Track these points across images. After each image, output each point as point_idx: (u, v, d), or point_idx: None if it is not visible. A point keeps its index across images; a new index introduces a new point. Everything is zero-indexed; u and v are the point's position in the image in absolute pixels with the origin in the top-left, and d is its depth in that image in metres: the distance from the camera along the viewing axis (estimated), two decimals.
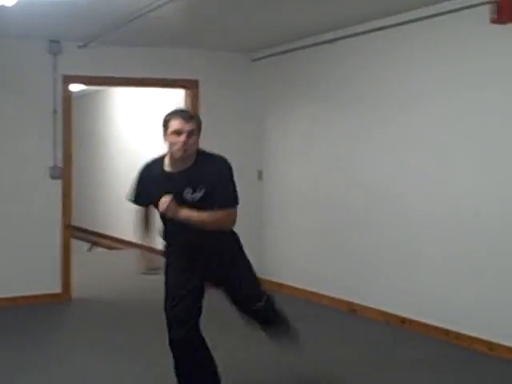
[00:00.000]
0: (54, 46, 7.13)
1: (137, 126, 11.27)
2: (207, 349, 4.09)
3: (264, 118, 7.92)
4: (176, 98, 9.10)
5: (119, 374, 4.99)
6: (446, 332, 5.63)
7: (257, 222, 7.92)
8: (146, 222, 4.20)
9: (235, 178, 3.93)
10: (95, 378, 4.93)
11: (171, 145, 3.84)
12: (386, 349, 5.57)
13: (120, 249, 11.03)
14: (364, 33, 6.29)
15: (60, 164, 7.23)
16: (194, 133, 3.84)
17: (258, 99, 7.87)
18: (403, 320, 6.06)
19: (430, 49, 5.76)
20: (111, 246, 11.54)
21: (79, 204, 10.52)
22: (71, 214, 7.48)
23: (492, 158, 5.26)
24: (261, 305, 4.18)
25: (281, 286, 7.58)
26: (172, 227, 3.98)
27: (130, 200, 4.15)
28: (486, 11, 5.04)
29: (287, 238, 7.61)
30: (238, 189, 3.93)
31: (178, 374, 4.11)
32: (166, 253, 4.13)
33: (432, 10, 5.57)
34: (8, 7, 5.49)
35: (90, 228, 12.74)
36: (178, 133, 3.80)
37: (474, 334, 5.39)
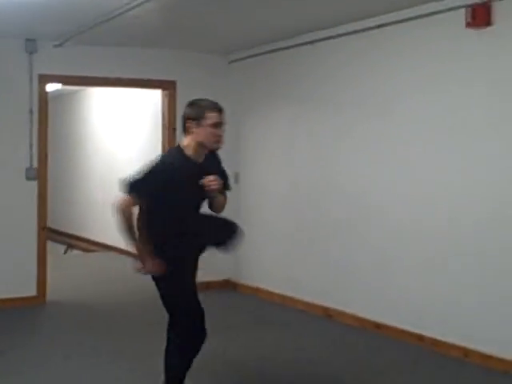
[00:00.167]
0: (30, 44, 7.04)
1: (113, 126, 11.17)
2: None
3: (241, 120, 7.87)
4: (153, 98, 9.08)
5: (95, 378, 4.93)
6: (421, 338, 5.61)
7: None
8: (131, 223, 3.98)
9: None
10: (70, 382, 4.87)
11: (208, 136, 3.89)
12: (360, 354, 5.56)
13: (96, 251, 10.94)
14: (342, 35, 6.28)
15: (36, 165, 7.15)
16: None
17: (236, 101, 7.82)
18: (378, 325, 6.04)
19: (410, 50, 5.76)
20: (87, 249, 11.44)
21: (55, 206, 10.44)
22: (47, 215, 7.38)
23: (469, 161, 5.27)
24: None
25: (256, 290, 7.55)
26: (184, 227, 3.97)
27: (131, 191, 3.87)
28: (462, 16, 5.17)
29: (263, 241, 7.56)
30: None
31: (182, 367, 4.10)
32: (168, 257, 3.95)
33: (411, 12, 5.60)
34: None
35: (66, 230, 12.63)
36: (217, 125, 3.89)
37: (449, 340, 5.38)
